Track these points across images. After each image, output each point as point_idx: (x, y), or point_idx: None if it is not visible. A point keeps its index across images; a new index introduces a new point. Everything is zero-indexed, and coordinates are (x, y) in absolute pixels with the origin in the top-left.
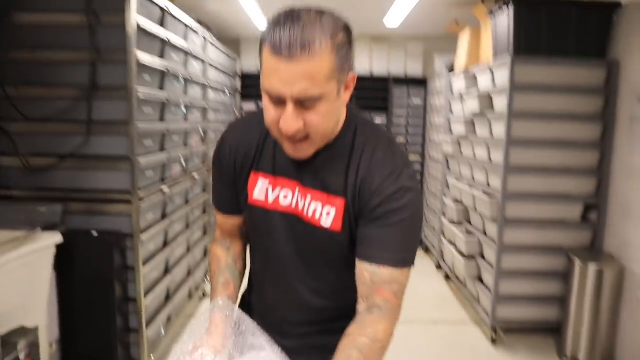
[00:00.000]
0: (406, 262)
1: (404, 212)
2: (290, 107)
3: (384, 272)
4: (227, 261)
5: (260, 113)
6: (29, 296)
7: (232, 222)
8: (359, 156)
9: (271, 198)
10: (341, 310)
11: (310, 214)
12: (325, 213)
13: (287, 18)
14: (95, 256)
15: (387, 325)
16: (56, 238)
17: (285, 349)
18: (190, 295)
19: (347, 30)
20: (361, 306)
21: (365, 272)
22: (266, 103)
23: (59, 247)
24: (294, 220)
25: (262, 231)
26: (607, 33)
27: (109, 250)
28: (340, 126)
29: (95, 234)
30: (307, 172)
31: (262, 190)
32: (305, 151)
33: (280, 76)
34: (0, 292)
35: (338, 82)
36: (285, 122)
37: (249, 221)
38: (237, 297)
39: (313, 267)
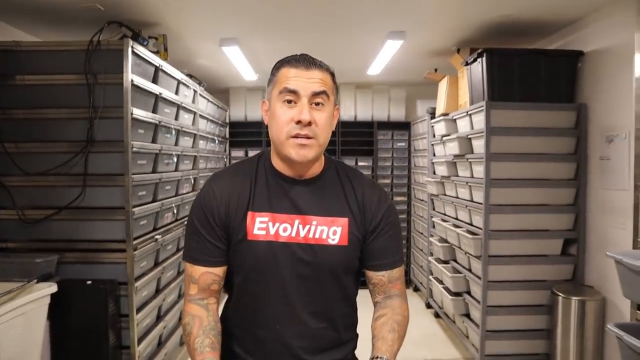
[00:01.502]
0: (402, 260)
1: (396, 224)
2: (305, 101)
3: (395, 272)
4: (209, 322)
5: (242, 163)
6: (23, 346)
7: (213, 275)
8: (349, 183)
9: (272, 231)
10: (333, 337)
11: (317, 236)
12: (331, 233)
13: (299, 55)
14: (89, 304)
15: (407, 306)
16: (51, 288)
17: None
18: (182, 342)
19: (334, 74)
20: (379, 297)
21: (383, 277)
22: (279, 109)
23: (54, 296)
24: (296, 248)
25: (263, 264)
26: (574, 79)
27: (103, 299)
28: (323, 163)
29: (89, 282)
30: (307, 204)
31: (262, 226)
32: (309, 149)
33: (300, 78)
34: None
35: (333, 104)
36: (302, 112)
37: (248, 258)
38: None
39: (315, 289)
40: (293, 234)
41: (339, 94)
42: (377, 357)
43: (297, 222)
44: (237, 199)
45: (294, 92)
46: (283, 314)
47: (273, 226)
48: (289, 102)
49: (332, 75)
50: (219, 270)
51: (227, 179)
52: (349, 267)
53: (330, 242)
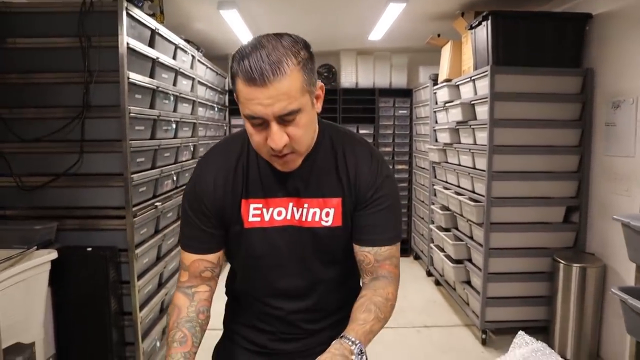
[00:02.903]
0: (398, 237)
1: (390, 197)
2: (274, 125)
3: (384, 251)
4: (188, 313)
5: (231, 141)
6: (25, 313)
7: (206, 262)
8: (343, 156)
9: (267, 217)
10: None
11: (310, 219)
12: (324, 215)
13: (252, 48)
14: (90, 271)
15: (394, 289)
16: (51, 255)
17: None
18: None
19: (307, 46)
20: (366, 278)
21: (368, 254)
22: (250, 130)
23: (54, 264)
24: (292, 230)
25: (261, 250)
26: (581, 43)
27: (104, 265)
28: (316, 135)
29: (89, 249)
30: (299, 185)
31: (257, 212)
32: (293, 162)
33: (260, 101)
34: None
35: (310, 94)
36: (273, 140)
37: (245, 247)
38: (194, 354)
39: (314, 271)
40: (288, 217)
41: (315, 75)
42: (341, 337)
43: (290, 204)
44: (232, 186)
45: (257, 118)
46: (284, 292)
47: (267, 212)
48: (257, 124)
49: (302, 59)
50: (213, 257)
51: (218, 162)
52: (344, 246)
53: (324, 224)
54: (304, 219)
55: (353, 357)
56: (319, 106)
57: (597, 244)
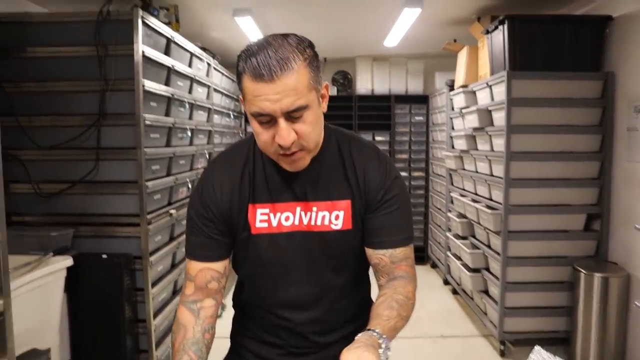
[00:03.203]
0: (411, 238)
1: (400, 198)
2: (282, 122)
3: (399, 252)
4: (194, 334)
5: (237, 148)
6: (41, 319)
7: (212, 271)
8: (350, 158)
9: (274, 223)
10: (347, 321)
11: (319, 222)
12: (333, 218)
13: (258, 47)
14: (105, 278)
15: (413, 288)
16: (67, 261)
17: None
18: None
19: (312, 45)
20: (383, 280)
21: (383, 257)
22: (257, 128)
23: (70, 270)
24: (300, 235)
25: (268, 257)
26: (601, 46)
27: (119, 272)
28: (322, 136)
29: (104, 256)
30: (306, 189)
31: (264, 218)
32: (301, 161)
33: (268, 97)
34: (15, 314)
35: (316, 92)
36: (281, 136)
37: (252, 254)
38: None
39: (323, 276)
40: (296, 222)
41: (320, 74)
42: (367, 330)
43: (298, 209)
44: (239, 191)
45: (265, 115)
46: (293, 301)
47: (274, 217)
48: (265, 122)
49: (308, 56)
50: (219, 266)
51: (224, 169)
52: (356, 249)
53: (334, 227)
54: (312, 222)
55: (380, 350)
56: (324, 105)
57: (620, 252)
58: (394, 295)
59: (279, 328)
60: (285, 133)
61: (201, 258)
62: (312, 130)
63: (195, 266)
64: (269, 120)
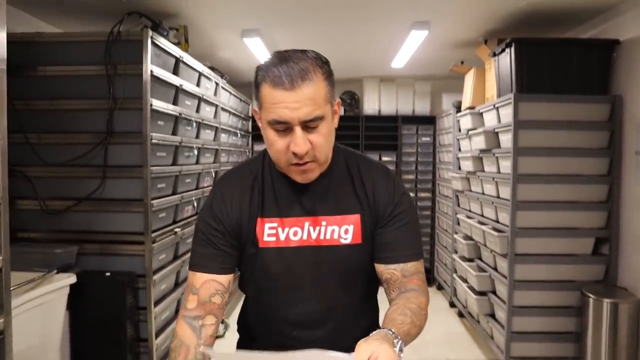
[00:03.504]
0: (421, 254)
1: (409, 213)
2: (298, 130)
3: (410, 266)
4: (197, 355)
5: (247, 164)
6: (42, 336)
7: (217, 283)
8: (359, 174)
9: (282, 237)
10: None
11: (328, 236)
12: (343, 232)
13: (279, 59)
14: (107, 296)
15: (426, 300)
16: (71, 279)
17: None
18: None
19: (328, 62)
20: (394, 294)
21: (395, 271)
22: (271, 137)
23: (73, 287)
24: (308, 251)
25: (275, 271)
26: (608, 69)
27: (122, 291)
28: (331, 153)
29: (108, 274)
30: (315, 204)
31: (272, 232)
32: (312, 172)
33: (287, 105)
34: (16, 331)
35: (331, 106)
36: (297, 144)
37: (258, 266)
38: None
39: (332, 292)
40: (305, 237)
41: (334, 90)
42: (382, 328)
43: (307, 224)
44: (248, 205)
45: (283, 122)
46: (300, 320)
47: (283, 231)
48: (281, 130)
49: (325, 71)
50: (224, 279)
51: (234, 183)
52: (365, 265)
53: (343, 241)
54: (322, 237)
55: (396, 349)
56: (335, 121)
57: (629, 277)
58: (407, 304)
59: (284, 349)
60: (301, 141)
61: (207, 269)
62: (325, 142)
63: (199, 278)
64: (285, 128)
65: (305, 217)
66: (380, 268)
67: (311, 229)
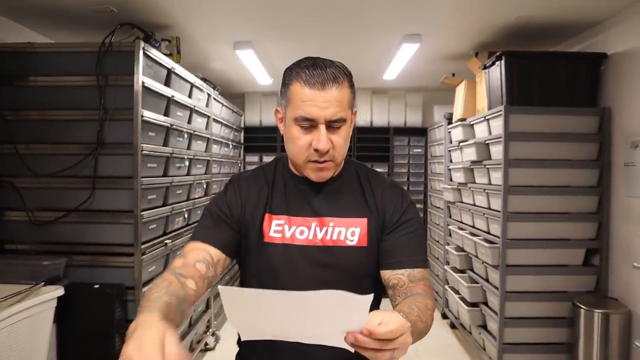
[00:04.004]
0: (427, 262)
1: (416, 222)
2: (322, 128)
3: (417, 272)
4: (178, 292)
5: (262, 167)
6: (28, 350)
7: (206, 252)
8: (368, 181)
9: (288, 234)
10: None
11: (335, 237)
12: (349, 234)
13: (311, 62)
14: (96, 309)
15: (432, 303)
16: (58, 291)
17: None
18: (191, 348)
19: (351, 74)
20: (400, 299)
21: (402, 276)
22: (295, 133)
23: (61, 300)
24: (313, 251)
25: (279, 268)
26: (597, 82)
27: (110, 303)
28: (342, 163)
29: (96, 286)
30: (324, 205)
31: (278, 229)
32: (328, 172)
33: (316, 103)
34: (2, 345)
35: (351, 112)
36: (320, 141)
37: (263, 260)
38: (174, 325)
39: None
40: (310, 237)
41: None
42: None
43: (314, 224)
44: (257, 200)
45: (310, 120)
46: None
47: (289, 229)
48: (306, 127)
49: (350, 80)
50: (214, 253)
51: (248, 180)
52: (370, 269)
53: (349, 243)
54: (328, 237)
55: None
56: (350, 129)
57: (620, 288)
58: (413, 302)
59: (288, 347)
60: (325, 139)
61: (201, 238)
62: (344, 144)
63: (192, 245)
64: (310, 125)
65: (313, 218)
66: (387, 274)
67: (318, 229)
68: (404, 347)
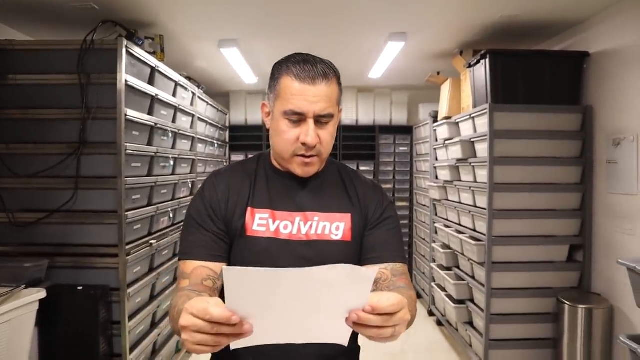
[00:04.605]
0: (406, 259)
1: (396, 220)
2: (311, 122)
3: (399, 267)
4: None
5: (242, 162)
6: (10, 354)
7: (208, 269)
8: (350, 179)
9: (272, 228)
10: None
11: (319, 231)
12: (334, 228)
13: (302, 58)
14: (79, 311)
15: (415, 295)
16: (40, 294)
17: None
18: (177, 349)
19: (339, 72)
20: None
21: (385, 270)
22: (283, 127)
23: (43, 303)
24: (297, 245)
25: (263, 261)
26: (579, 80)
27: (94, 305)
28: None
29: (80, 288)
30: (308, 201)
31: (262, 222)
32: (313, 167)
33: (306, 97)
34: None
35: (338, 111)
36: (309, 135)
37: (247, 254)
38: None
39: None
40: (294, 232)
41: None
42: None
43: (297, 219)
44: (238, 195)
45: (299, 114)
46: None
47: (273, 223)
48: (294, 121)
49: (338, 78)
50: (215, 266)
51: (227, 175)
52: (353, 264)
53: (334, 237)
54: (312, 232)
55: None
56: (336, 126)
57: (602, 284)
58: (399, 294)
59: (269, 352)
60: (313, 133)
61: (197, 256)
62: (330, 140)
63: (190, 265)
64: (298, 119)
65: (297, 213)
66: (370, 267)
67: (302, 224)
68: (403, 324)
